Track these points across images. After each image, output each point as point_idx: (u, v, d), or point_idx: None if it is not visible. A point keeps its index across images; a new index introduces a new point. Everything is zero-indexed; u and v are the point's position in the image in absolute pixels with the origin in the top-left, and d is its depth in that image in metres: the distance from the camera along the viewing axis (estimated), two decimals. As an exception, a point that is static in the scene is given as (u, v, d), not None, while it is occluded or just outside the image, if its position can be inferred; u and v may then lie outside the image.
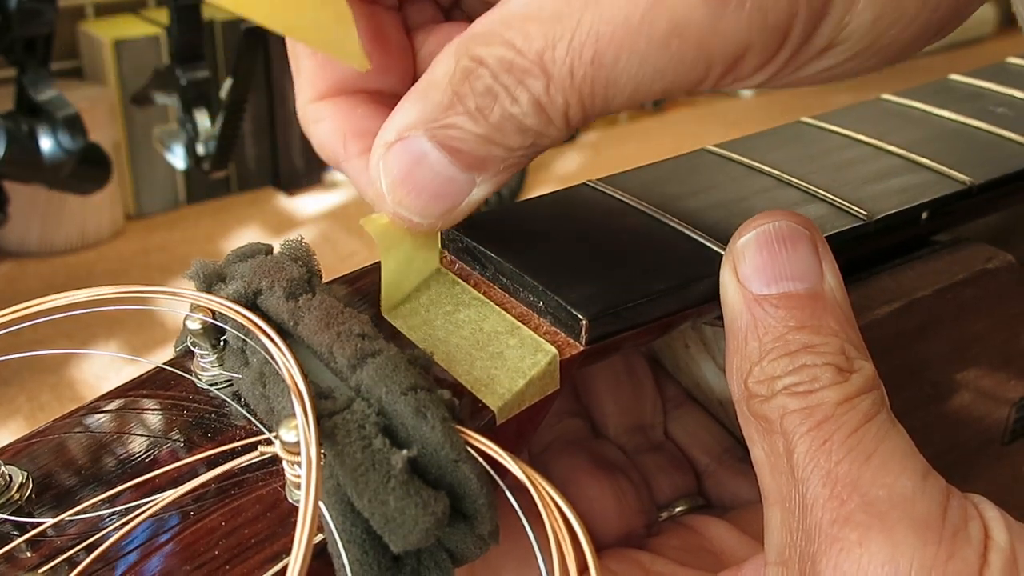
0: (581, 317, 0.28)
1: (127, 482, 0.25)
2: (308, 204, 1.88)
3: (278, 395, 0.25)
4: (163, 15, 1.49)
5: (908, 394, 0.35)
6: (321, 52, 0.29)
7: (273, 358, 0.25)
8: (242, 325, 0.26)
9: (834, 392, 0.25)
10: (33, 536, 0.24)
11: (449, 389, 0.25)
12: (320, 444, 0.22)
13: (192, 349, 0.28)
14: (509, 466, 0.23)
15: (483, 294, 0.30)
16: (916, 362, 0.35)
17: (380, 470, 0.22)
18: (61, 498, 0.25)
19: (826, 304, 0.26)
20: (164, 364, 0.29)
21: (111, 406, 0.28)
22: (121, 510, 0.24)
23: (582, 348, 0.28)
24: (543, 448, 0.36)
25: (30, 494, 0.25)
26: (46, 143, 1.22)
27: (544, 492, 0.23)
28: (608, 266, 0.30)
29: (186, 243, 1.73)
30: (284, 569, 0.21)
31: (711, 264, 0.29)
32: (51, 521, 0.24)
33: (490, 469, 0.24)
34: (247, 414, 0.27)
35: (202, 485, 0.24)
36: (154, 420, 0.27)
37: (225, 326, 0.27)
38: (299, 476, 0.22)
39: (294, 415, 0.22)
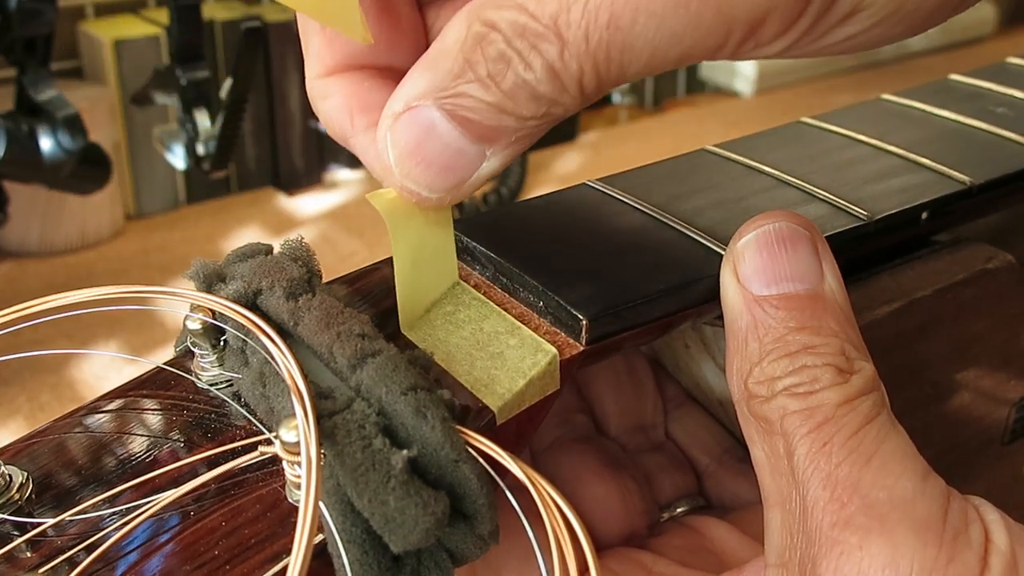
0: (581, 317, 0.28)
1: (127, 482, 0.25)
2: (308, 204, 1.88)
3: (278, 395, 0.25)
4: (163, 15, 1.49)
5: (908, 394, 0.35)
6: (325, 24, 0.28)
7: (273, 358, 0.25)
8: (242, 325, 0.26)
9: (834, 393, 0.25)
10: (33, 536, 0.24)
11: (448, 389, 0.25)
12: (320, 444, 0.22)
13: (192, 349, 0.28)
14: (509, 466, 0.23)
15: (483, 294, 0.30)
16: (916, 362, 0.35)
17: (380, 470, 0.22)
18: (61, 498, 0.25)
19: (826, 305, 0.26)
20: (164, 364, 0.29)
21: (111, 406, 0.28)
22: (121, 510, 0.24)
23: (582, 348, 0.28)
24: (549, 444, 0.36)
25: (30, 494, 0.25)
26: (46, 143, 1.22)
27: (544, 492, 0.23)
28: (608, 266, 0.30)
29: (186, 243, 1.73)
30: (284, 569, 0.21)
31: (711, 264, 0.29)
32: (51, 521, 0.24)
33: (490, 469, 0.24)
34: (247, 414, 0.27)
35: (202, 485, 0.24)
36: (154, 420, 0.27)
37: (225, 326, 0.27)
38: (299, 476, 0.22)
39: (294, 415, 0.22)
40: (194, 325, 0.27)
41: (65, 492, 0.25)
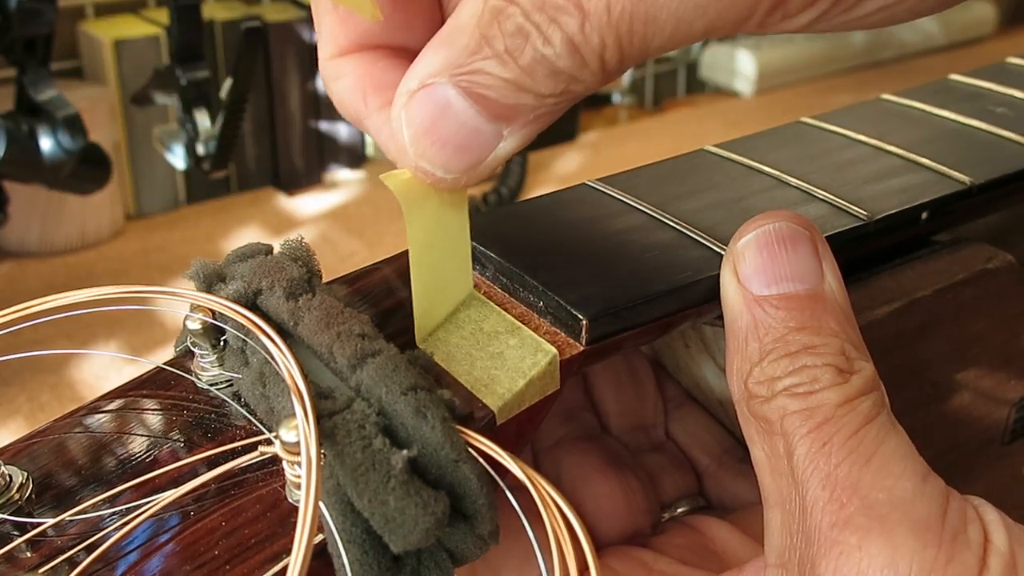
0: (581, 317, 0.28)
1: (127, 482, 0.25)
2: (308, 204, 1.88)
3: (278, 395, 0.25)
4: (163, 15, 1.49)
5: (908, 394, 0.35)
6: (336, 2, 0.27)
7: (273, 358, 0.25)
8: (242, 325, 0.26)
9: (834, 393, 0.25)
10: (33, 536, 0.24)
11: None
12: (320, 444, 0.22)
13: (192, 349, 0.28)
14: (509, 466, 0.23)
15: (483, 294, 0.30)
16: (916, 362, 0.35)
17: (380, 470, 0.22)
18: (61, 498, 0.25)
19: (826, 305, 0.26)
20: (164, 364, 0.29)
21: (111, 406, 0.28)
22: (121, 510, 0.24)
23: (582, 348, 0.28)
24: (554, 442, 0.36)
25: (30, 494, 0.25)
26: (46, 143, 1.22)
27: (544, 492, 0.23)
28: (608, 266, 0.30)
29: (186, 243, 1.73)
30: (284, 569, 0.21)
31: (711, 264, 0.30)
32: (51, 521, 0.24)
33: (490, 469, 0.24)
34: (247, 414, 0.27)
35: (202, 485, 0.24)
36: (154, 420, 0.27)
37: (225, 326, 0.27)
38: (299, 476, 0.22)
39: (294, 415, 0.22)
40: (194, 325, 0.27)
41: (65, 492, 0.25)
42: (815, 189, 0.34)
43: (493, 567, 0.32)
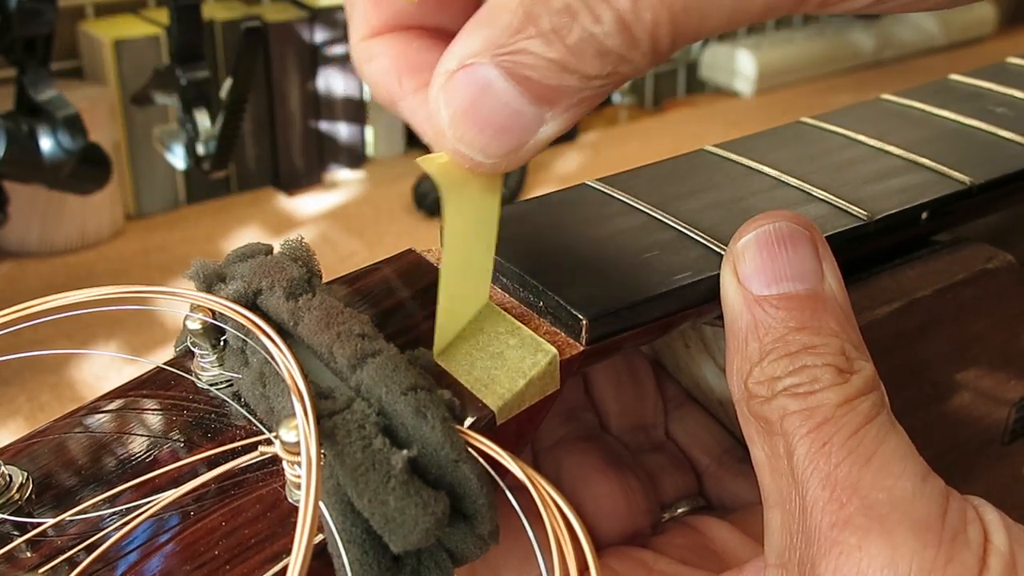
0: (581, 317, 0.28)
1: (127, 482, 0.25)
2: (308, 204, 1.88)
3: (278, 395, 0.25)
4: (163, 15, 1.49)
5: (908, 394, 0.35)
6: None
7: (273, 358, 0.25)
8: (242, 325, 0.26)
9: (834, 393, 0.25)
10: (33, 536, 0.24)
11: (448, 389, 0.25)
12: (320, 444, 0.22)
13: (192, 349, 0.28)
14: (509, 466, 0.23)
15: (483, 294, 0.30)
16: (916, 362, 0.35)
17: (380, 470, 0.22)
18: (61, 498, 0.25)
19: (826, 305, 0.26)
20: (164, 364, 0.29)
21: (111, 406, 0.28)
22: (121, 510, 0.24)
23: (582, 348, 0.28)
24: (554, 442, 0.36)
25: (30, 494, 0.25)
26: (46, 143, 1.22)
27: (544, 492, 0.23)
28: (608, 266, 0.30)
29: (186, 243, 1.73)
30: (284, 569, 0.21)
31: (711, 264, 0.30)
32: (51, 521, 0.24)
33: (490, 469, 0.24)
34: (247, 414, 0.27)
35: (202, 485, 0.24)
36: (154, 420, 0.27)
37: (225, 326, 0.27)
38: (299, 476, 0.22)
39: (294, 415, 0.22)
40: (194, 325, 0.27)
41: (65, 492, 0.25)
42: (815, 189, 0.34)
43: (493, 567, 0.32)
